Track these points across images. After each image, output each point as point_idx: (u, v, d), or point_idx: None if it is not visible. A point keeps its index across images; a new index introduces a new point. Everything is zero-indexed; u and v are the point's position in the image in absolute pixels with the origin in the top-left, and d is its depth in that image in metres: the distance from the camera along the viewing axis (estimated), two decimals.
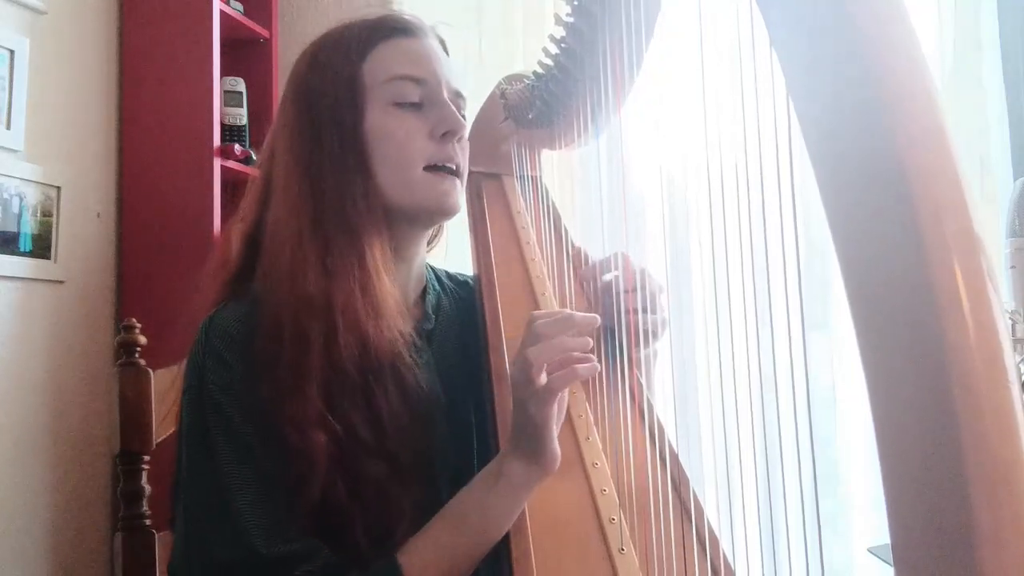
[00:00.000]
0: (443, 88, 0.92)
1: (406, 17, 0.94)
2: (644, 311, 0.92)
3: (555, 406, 0.74)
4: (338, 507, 0.79)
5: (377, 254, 0.86)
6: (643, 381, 0.89)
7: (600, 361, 0.87)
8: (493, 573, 0.82)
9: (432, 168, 0.90)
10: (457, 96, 0.94)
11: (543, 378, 0.74)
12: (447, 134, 0.91)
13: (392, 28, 0.92)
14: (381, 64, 0.90)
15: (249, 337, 0.83)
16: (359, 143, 0.88)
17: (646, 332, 0.91)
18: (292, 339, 0.81)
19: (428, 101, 0.91)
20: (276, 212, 0.88)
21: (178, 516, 0.84)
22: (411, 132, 0.89)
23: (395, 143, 0.89)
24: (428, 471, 0.85)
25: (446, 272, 1.09)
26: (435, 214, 0.93)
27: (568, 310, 0.77)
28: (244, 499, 0.78)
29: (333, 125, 0.88)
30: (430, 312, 0.98)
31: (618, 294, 0.90)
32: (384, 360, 0.84)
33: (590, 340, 0.75)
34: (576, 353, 0.74)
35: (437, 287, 1.03)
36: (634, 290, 0.91)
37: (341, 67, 0.89)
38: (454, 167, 0.92)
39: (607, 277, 0.97)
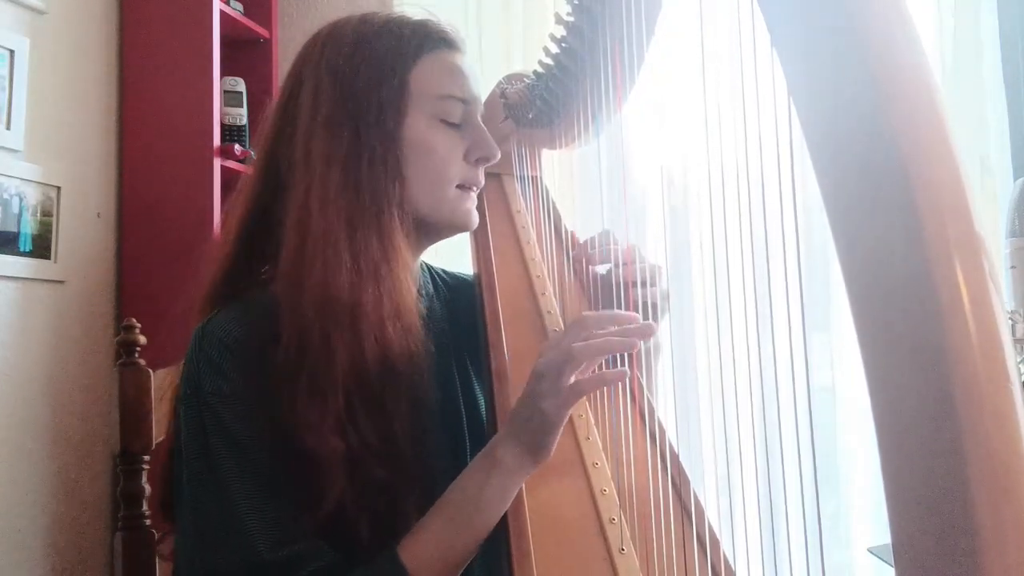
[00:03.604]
0: (479, 110, 0.93)
1: (448, 29, 0.93)
2: (644, 284, 0.91)
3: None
4: (345, 512, 0.79)
5: (407, 261, 0.87)
6: (643, 380, 0.89)
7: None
8: (493, 573, 0.82)
9: (461, 187, 0.92)
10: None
11: (572, 378, 0.73)
12: (480, 159, 0.92)
13: (440, 39, 0.91)
14: (431, 76, 0.89)
15: (249, 345, 0.82)
16: (397, 149, 0.87)
17: (650, 305, 0.90)
18: (320, 343, 0.80)
19: (466, 122, 0.92)
20: (304, 204, 0.85)
21: (180, 522, 0.83)
22: (451, 151, 0.90)
23: (436, 159, 0.89)
24: (428, 476, 0.85)
25: (442, 272, 1.09)
26: (458, 230, 0.94)
27: (624, 312, 0.76)
28: (245, 505, 0.78)
29: (376, 126, 0.86)
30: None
31: (615, 268, 0.90)
32: (401, 368, 0.83)
33: (638, 343, 0.75)
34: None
35: (431, 290, 1.02)
36: (631, 263, 0.91)
37: (391, 68, 0.88)
38: (477, 190, 0.94)
39: (601, 269, 0.97)
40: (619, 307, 0.88)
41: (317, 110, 0.87)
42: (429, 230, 0.92)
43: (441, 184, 0.90)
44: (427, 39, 0.90)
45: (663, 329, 0.96)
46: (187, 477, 0.81)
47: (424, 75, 0.89)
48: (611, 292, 0.92)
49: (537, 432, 0.75)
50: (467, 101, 0.92)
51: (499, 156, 0.93)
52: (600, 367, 0.78)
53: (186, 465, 0.82)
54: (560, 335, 0.77)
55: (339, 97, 0.86)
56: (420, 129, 0.88)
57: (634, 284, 0.90)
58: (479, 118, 0.93)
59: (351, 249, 0.82)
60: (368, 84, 0.87)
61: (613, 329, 0.75)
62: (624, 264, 0.92)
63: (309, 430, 0.78)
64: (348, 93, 0.86)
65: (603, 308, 0.91)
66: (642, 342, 0.76)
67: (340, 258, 0.82)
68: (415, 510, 0.81)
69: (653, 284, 0.92)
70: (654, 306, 0.91)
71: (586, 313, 0.78)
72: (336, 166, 0.85)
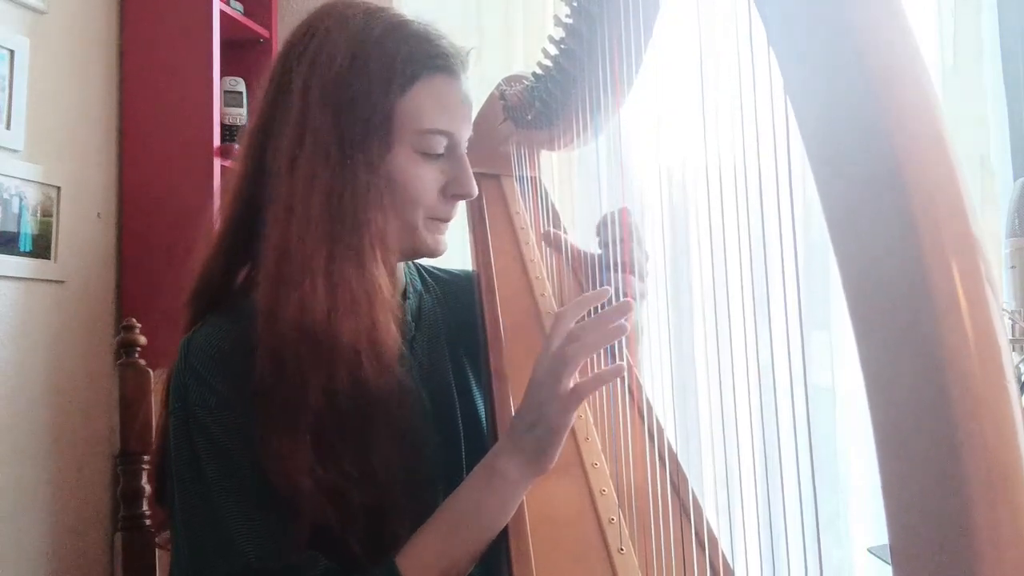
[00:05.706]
0: (463, 142, 0.90)
1: (449, 49, 0.88)
2: (633, 274, 0.92)
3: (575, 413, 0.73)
4: (332, 531, 0.78)
5: (386, 296, 0.83)
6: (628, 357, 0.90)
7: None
8: (492, 573, 0.82)
9: (432, 219, 0.89)
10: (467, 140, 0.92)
11: (571, 382, 0.72)
12: (457, 196, 0.89)
13: (438, 64, 0.86)
14: (420, 106, 0.85)
15: (234, 356, 0.81)
16: (380, 180, 0.83)
17: (634, 295, 0.91)
18: (292, 377, 0.78)
19: (449, 153, 0.88)
20: (284, 226, 0.81)
21: (173, 534, 0.83)
22: (428, 185, 0.87)
23: (411, 191, 0.86)
24: (420, 486, 0.84)
25: (431, 268, 1.08)
26: (424, 256, 0.93)
27: (592, 294, 0.77)
28: (236, 519, 0.77)
29: (362, 153, 0.82)
30: (410, 319, 0.96)
31: (611, 244, 0.91)
32: (379, 400, 0.81)
33: (627, 327, 0.74)
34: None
35: (419, 287, 1.01)
36: (629, 243, 0.92)
37: (383, 92, 0.83)
38: (448, 222, 0.91)
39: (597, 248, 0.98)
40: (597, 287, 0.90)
41: (305, 119, 0.82)
42: (400, 255, 0.90)
43: (411, 214, 0.86)
44: (424, 65, 0.85)
45: (648, 312, 0.98)
46: (177, 488, 0.81)
47: (413, 104, 0.84)
48: (597, 270, 0.92)
49: (541, 440, 0.74)
50: (453, 133, 0.87)
51: (476, 194, 0.90)
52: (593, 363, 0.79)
53: (175, 477, 0.81)
54: (549, 339, 0.76)
55: (327, 114, 0.82)
56: (401, 163, 0.85)
57: (624, 268, 0.91)
58: (463, 150, 0.89)
59: (329, 281, 0.79)
60: (357, 107, 0.82)
61: (593, 319, 0.74)
62: (621, 241, 0.91)
63: (277, 466, 0.76)
64: (336, 111, 0.82)
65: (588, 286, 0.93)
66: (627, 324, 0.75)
67: (317, 289, 0.78)
68: (406, 526, 0.80)
69: (641, 278, 0.92)
70: (635, 295, 0.92)
71: (561, 310, 0.77)
72: (320, 189, 0.81)
